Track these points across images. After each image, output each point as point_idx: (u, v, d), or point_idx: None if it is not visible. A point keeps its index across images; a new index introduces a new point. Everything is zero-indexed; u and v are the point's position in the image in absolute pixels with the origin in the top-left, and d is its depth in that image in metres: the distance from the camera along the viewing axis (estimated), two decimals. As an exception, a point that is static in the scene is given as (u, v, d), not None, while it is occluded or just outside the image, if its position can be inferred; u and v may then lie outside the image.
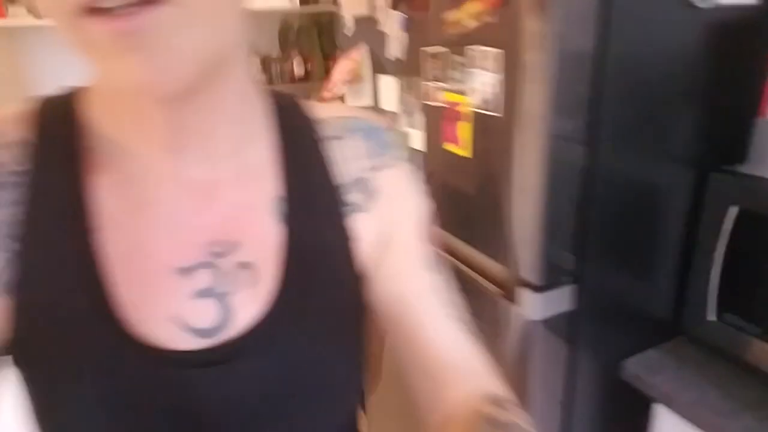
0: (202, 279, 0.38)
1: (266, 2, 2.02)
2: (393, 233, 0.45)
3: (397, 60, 1.05)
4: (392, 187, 0.45)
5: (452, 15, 0.79)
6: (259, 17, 2.08)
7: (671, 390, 0.82)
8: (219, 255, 0.38)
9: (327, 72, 2.03)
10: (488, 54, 0.75)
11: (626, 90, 0.74)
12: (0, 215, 0.35)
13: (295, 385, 0.40)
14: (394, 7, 1.01)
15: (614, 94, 0.73)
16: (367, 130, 0.46)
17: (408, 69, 1.01)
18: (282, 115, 0.44)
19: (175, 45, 0.29)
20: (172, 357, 0.36)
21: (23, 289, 0.36)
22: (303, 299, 0.40)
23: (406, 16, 0.98)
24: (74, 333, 0.36)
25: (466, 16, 0.75)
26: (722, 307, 0.83)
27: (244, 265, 0.39)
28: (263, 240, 0.40)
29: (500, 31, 0.73)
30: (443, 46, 0.86)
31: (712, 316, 0.84)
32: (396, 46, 1.03)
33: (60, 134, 0.38)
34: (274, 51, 2.28)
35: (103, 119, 0.38)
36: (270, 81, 2.25)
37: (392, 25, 1.01)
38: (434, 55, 0.88)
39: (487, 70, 0.76)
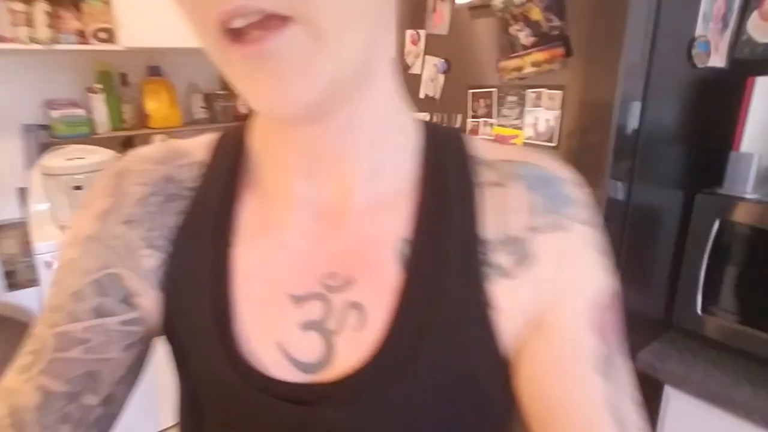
0: (312, 310, 0.37)
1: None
2: (550, 314, 0.36)
3: (428, 98, 1.18)
4: (557, 256, 0.37)
5: (512, 63, 0.94)
6: (202, 53, 2.08)
7: (681, 373, 1.00)
8: (332, 289, 0.37)
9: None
10: (545, 94, 0.91)
11: (637, 129, 0.95)
12: (167, 221, 0.40)
13: None
14: (428, 52, 1.15)
15: (630, 134, 0.94)
16: (539, 179, 0.39)
17: (444, 106, 1.15)
18: (431, 146, 0.40)
19: (303, 67, 0.29)
20: (269, 383, 0.36)
21: (169, 290, 0.40)
22: (411, 359, 0.35)
23: (444, 60, 1.12)
24: (196, 338, 0.39)
25: (528, 65, 0.91)
26: (707, 302, 1.05)
27: (355, 306, 0.37)
28: (378, 282, 0.37)
29: (559, 76, 0.90)
30: (493, 86, 1.01)
31: (699, 310, 1.05)
32: (430, 86, 1.17)
33: (227, 156, 0.42)
34: (219, 87, 2.25)
35: (257, 141, 0.41)
36: (213, 119, 2.23)
37: (429, 68, 1.15)
38: (483, 94, 1.03)
39: (542, 107, 0.92)
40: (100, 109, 1.90)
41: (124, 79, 1.98)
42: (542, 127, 0.93)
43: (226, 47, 0.29)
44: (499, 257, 0.37)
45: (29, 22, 1.64)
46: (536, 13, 0.89)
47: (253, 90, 0.31)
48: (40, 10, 1.65)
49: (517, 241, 0.37)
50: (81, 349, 0.36)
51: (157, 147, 0.44)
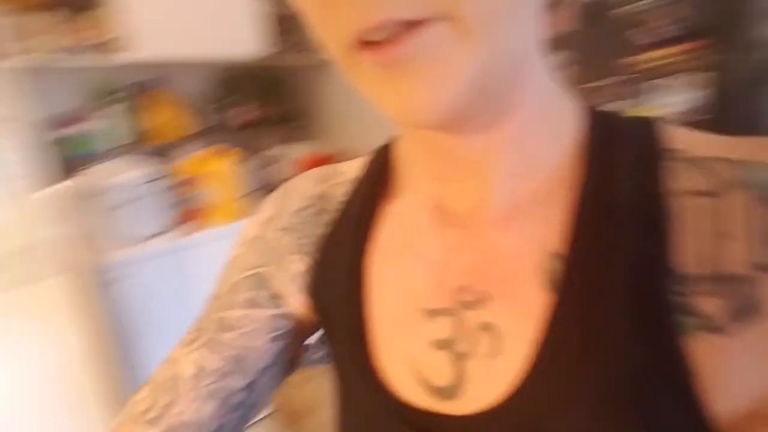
0: (443, 328, 0.34)
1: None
2: None
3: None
4: None
5: (643, 57, 1.05)
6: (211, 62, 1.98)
7: None
8: (466, 305, 0.33)
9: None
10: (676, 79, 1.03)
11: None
12: (316, 231, 0.42)
13: None
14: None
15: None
16: None
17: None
18: (599, 139, 0.32)
19: (447, 67, 0.25)
20: (397, 405, 0.34)
21: (314, 294, 0.41)
22: (560, 411, 0.28)
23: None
24: (335, 344, 0.40)
25: (659, 58, 1.03)
26: None
27: (487, 328, 0.32)
28: (519, 303, 0.31)
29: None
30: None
31: None
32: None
33: (376, 170, 0.42)
34: (227, 95, 2.16)
35: (400, 152, 0.40)
36: (224, 126, 2.14)
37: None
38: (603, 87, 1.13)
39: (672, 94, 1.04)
40: (111, 122, 1.73)
41: (133, 91, 1.82)
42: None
43: (358, 57, 0.27)
44: (705, 302, 0.26)
45: (35, 35, 1.47)
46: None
47: (389, 97, 0.27)
48: (49, 22, 1.49)
49: (737, 282, 0.26)
50: (233, 334, 0.40)
51: (319, 168, 0.47)
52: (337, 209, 0.42)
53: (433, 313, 0.34)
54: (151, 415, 0.37)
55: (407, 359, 0.34)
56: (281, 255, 0.43)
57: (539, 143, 0.32)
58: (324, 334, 0.42)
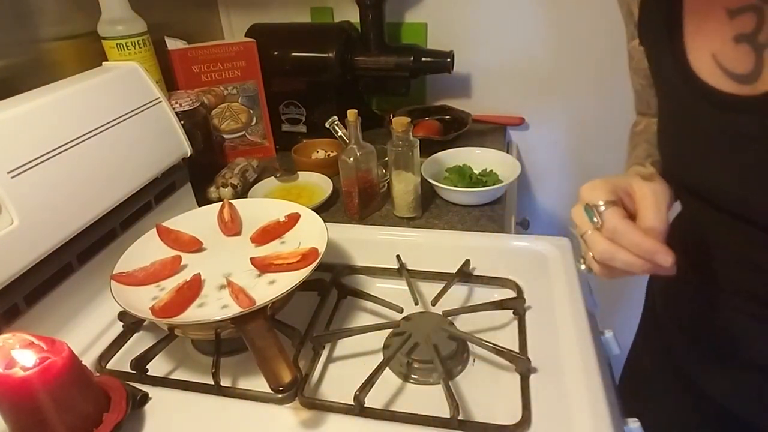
0: (746, 23, 0.39)
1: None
2: None
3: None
4: None
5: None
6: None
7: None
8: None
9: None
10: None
11: None
12: None
13: None
14: None
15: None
16: None
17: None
18: None
19: None
20: (705, 89, 0.42)
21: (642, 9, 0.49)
22: None
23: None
24: (653, 47, 0.49)
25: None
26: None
27: None
28: None
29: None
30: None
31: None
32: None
33: None
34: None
35: None
36: None
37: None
38: None
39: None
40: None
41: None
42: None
43: None
44: None
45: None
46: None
47: None
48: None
49: None
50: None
51: None
52: None
53: (736, 11, 0.39)
54: None
55: (711, 52, 0.41)
56: None
57: None
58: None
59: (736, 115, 0.40)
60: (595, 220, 0.43)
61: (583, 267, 0.48)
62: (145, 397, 0.53)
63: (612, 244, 0.42)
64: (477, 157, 1.03)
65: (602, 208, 0.42)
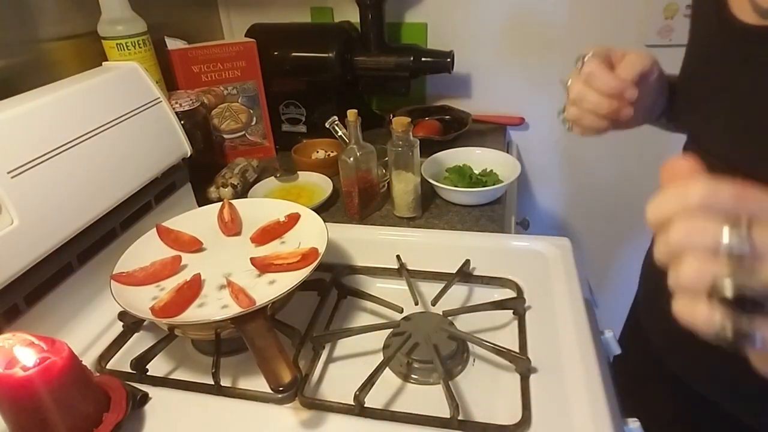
0: None
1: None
2: None
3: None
4: None
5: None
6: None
7: None
8: None
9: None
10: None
11: None
12: None
13: None
14: None
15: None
16: None
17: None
18: None
19: None
20: (738, 25, 0.47)
21: None
22: None
23: None
24: None
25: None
26: None
27: None
28: None
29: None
30: None
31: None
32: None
33: None
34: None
35: None
36: None
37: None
38: None
39: None
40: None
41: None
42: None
43: None
44: None
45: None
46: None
47: None
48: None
49: None
50: None
51: None
52: None
53: None
54: None
55: None
56: None
57: None
58: None
59: (759, 45, 0.45)
60: (578, 64, 0.52)
61: (561, 117, 0.57)
62: (145, 397, 0.53)
63: (585, 85, 0.52)
64: (477, 157, 1.03)
65: (587, 58, 0.52)
